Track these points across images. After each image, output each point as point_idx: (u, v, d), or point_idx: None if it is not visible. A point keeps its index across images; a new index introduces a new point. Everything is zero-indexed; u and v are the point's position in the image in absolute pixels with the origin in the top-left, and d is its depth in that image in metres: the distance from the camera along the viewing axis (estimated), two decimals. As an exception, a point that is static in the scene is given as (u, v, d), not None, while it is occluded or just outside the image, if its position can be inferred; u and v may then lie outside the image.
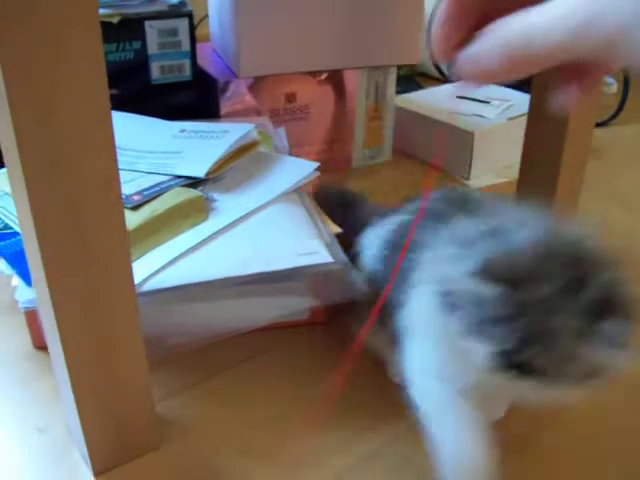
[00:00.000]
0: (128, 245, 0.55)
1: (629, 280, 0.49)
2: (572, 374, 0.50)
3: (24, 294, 0.69)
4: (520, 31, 0.38)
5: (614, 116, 1.53)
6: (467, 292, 0.51)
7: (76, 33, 0.46)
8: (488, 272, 0.50)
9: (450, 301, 0.52)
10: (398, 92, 1.31)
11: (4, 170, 0.85)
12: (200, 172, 0.80)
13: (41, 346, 0.77)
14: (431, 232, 0.59)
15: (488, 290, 0.50)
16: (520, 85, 1.35)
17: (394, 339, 0.64)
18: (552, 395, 0.53)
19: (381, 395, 0.71)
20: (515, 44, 0.39)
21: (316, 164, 0.85)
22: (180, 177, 0.80)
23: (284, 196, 0.80)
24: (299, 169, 0.84)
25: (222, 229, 0.73)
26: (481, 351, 0.50)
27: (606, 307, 0.48)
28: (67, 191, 0.49)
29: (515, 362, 0.50)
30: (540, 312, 0.48)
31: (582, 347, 0.48)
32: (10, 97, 0.45)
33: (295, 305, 0.73)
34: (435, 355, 0.57)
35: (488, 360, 0.50)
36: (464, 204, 0.62)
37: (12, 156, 0.48)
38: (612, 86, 1.74)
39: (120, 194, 0.52)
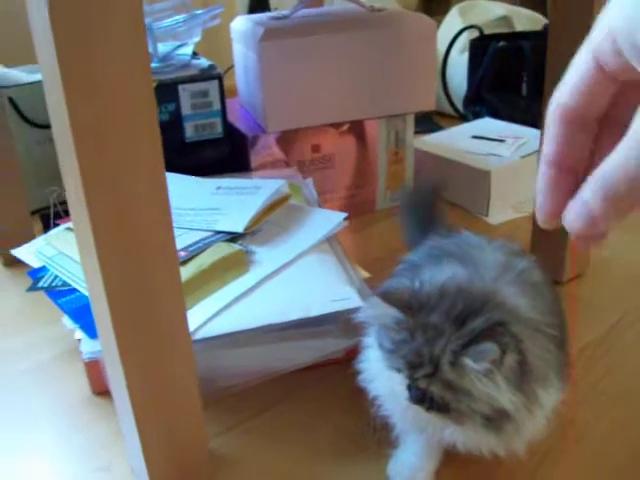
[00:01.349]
0: (183, 297, 0.61)
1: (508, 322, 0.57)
2: (467, 407, 0.56)
3: (87, 346, 0.75)
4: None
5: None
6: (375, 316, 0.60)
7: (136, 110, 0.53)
8: (389, 299, 0.58)
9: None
10: (418, 132, 1.37)
11: (58, 230, 0.93)
12: (239, 227, 0.87)
13: (100, 392, 0.83)
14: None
15: (390, 314, 0.58)
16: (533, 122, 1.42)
17: None
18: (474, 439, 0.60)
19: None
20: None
21: (344, 214, 0.92)
22: (220, 232, 0.87)
23: (316, 245, 0.87)
24: (329, 220, 0.91)
25: (262, 280, 0.80)
26: (399, 380, 0.59)
27: (485, 334, 0.55)
28: (131, 251, 0.56)
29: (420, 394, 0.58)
30: (426, 337, 0.56)
31: (461, 374, 0.55)
32: (80, 161, 0.52)
33: (331, 346, 0.78)
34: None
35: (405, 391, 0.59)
36: (454, 251, 0.68)
37: (82, 224, 0.56)
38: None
39: (176, 250, 0.59)
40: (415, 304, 0.58)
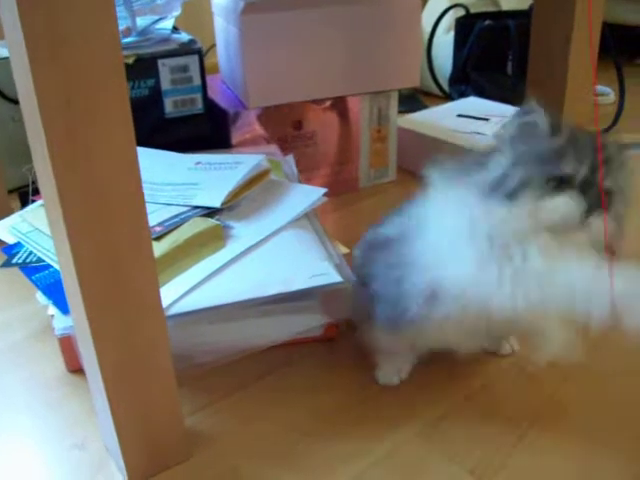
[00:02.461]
0: (156, 273, 0.60)
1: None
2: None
3: (60, 322, 0.74)
4: None
5: (612, 125, 1.57)
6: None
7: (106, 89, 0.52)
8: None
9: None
10: (402, 111, 1.36)
11: (34, 206, 0.92)
12: (216, 202, 0.85)
13: (74, 370, 0.82)
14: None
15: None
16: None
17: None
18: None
19: (389, 406, 0.76)
20: None
21: (323, 190, 0.91)
22: (197, 207, 0.85)
23: (295, 221, 0.86)
24: (308, 195, 0.90)
25: (239, 255, 0.79)
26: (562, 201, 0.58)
27: None
28: (102, 226, 0.55)
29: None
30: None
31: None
32: (48, 136, 0.50)
33: (309, 323, 0.78)
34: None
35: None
36: None
37: (52, 199, 0.54)
38: (609, 95, 1.78)
39: (148, 225, 0.58)
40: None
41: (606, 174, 0.58)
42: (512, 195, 0.59)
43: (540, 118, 0.60)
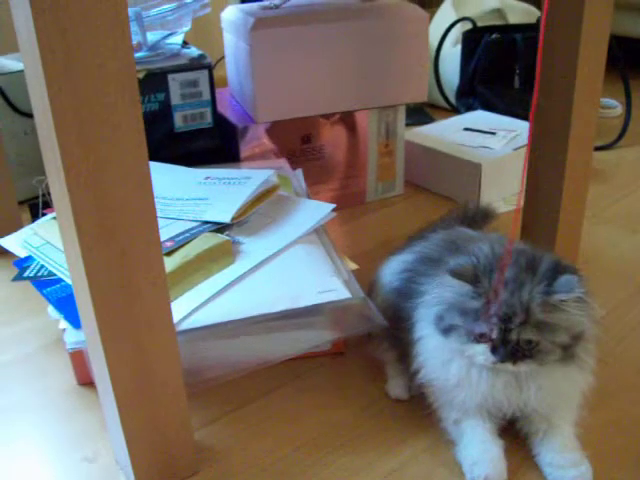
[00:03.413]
0: (167, 287, 0.61)
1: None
2: (551, 343, 0.62)
3: (71, 336, 0.74)
4: None
5: (618, 139, 1.57)
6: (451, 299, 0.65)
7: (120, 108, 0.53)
8: (458, 275, 0.63)
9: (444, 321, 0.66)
10: (409, 124, 1.36)
11: (45, 219, 0.92)
12: (226, 218, 0.86)
13: (85, 383, 0.83)
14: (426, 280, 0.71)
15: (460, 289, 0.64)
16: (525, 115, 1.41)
17: (401, 357, 0.77)
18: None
19: (398, 420, 0.76)
20: None
21: (332, 205, 0.91)
22: (208, 223, 0.86)
23: (304, 237, 0.86)
24: (317, 211, 0.90)
25: (249, 271, 0.79)
26: (479, 350, 0.63)
27: (557, 272, 0.62)
28: (114, 241, 0.55)
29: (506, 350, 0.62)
30: (508, 291, 0.62)
31: (551, 310, 0.61)
32: (62, 150, 0.51)
33: (318, 338, 0.78)
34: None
35: (489, 356, 0.63)
36: (457, 245, 0.73)
37: (65, 214, 0.55)
38: (616, 109, 1.78)
39: (159, 240, 0.58)
40: (482, 272, 0.63)
41: (532, 330, 0.61)
42: (445, 332, 0.66)
43: (461, 284, 0.64)
